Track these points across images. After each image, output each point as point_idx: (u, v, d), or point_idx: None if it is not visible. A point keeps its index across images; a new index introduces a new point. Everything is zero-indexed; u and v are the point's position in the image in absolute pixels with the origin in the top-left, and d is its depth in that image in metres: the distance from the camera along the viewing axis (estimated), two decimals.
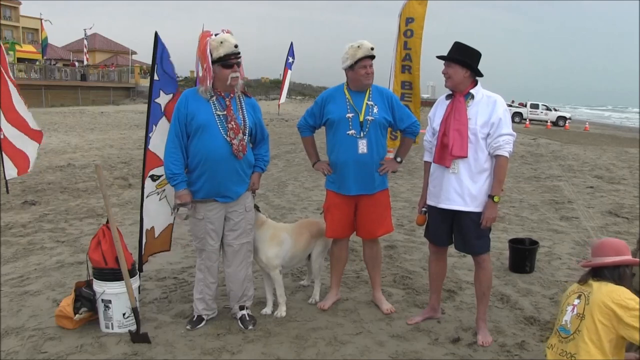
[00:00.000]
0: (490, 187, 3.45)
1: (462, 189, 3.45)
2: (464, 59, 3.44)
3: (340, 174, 3.90)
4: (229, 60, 3.46)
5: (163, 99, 3.97)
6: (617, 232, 6.60)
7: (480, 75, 3.51)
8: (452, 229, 3.61)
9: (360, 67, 3.75)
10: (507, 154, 3.41)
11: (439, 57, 3.53)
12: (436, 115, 3.64)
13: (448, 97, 3.60)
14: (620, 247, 2.79)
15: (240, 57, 3.51)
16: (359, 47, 3.73)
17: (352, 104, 3.84)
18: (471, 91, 3.48)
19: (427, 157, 3.75)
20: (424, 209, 3.76)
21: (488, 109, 3.42)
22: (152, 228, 4.11)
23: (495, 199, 3.42)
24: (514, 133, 3.47)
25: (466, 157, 3.40)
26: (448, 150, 3.44)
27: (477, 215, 3.46)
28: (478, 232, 3.49)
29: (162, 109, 3.97)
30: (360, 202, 3.95)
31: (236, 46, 3.45)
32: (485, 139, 3.42)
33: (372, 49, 3.75)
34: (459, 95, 3.49)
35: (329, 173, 3.98)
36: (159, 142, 3.85)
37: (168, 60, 3.95)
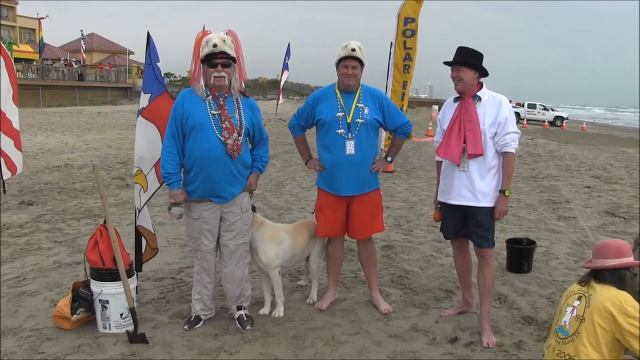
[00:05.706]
0: (498, 183, 3.60)
1: (473, 186, 3.58)
2: (472, 61, 3.56)
3: (331, 174, 3.92)
4: (212, 60, 3.46)
5: (142, 98, 3.88)
6: (614, 232, 6.62)
7: (486, 74, 3.64)
8: (462, 224, 3.74)
9: (342, 66, 3.80)
10: (513, 150, 3.57)
11: (446, 63, 3.65)
12: (445, 117, 3.76)
13: (456, 99, 3.70)
14: (622, 248, 2.75)
15: (226, 58, 3.47)
16: (345, 46, 3.78)
17: (343, 104, 3.85)
18: (478, 93, 3.61)
19: (439, 157, 3.86)
20: (439, 206, 3.88)
21: (494, 109, 3.56)
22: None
23: (506, 193, 3.57)
24: (519, 130, 3.61)
25: (482, 154, 3.52)
26: (460, 150, 3.56)
27: (487, 209, 3.59)
28: (487, 226, 3.62)
29: (140, 108, 3.88)
30: (352, 202, 3.96)
31: (215, 45, 3.41)
32: (493, 137, 3.56)
33: (352, 49, 3.75)
34: (468, 97, 3.60)
35: (321, 169, 3.99)
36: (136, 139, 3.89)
37: (156, 63, 3.85)
